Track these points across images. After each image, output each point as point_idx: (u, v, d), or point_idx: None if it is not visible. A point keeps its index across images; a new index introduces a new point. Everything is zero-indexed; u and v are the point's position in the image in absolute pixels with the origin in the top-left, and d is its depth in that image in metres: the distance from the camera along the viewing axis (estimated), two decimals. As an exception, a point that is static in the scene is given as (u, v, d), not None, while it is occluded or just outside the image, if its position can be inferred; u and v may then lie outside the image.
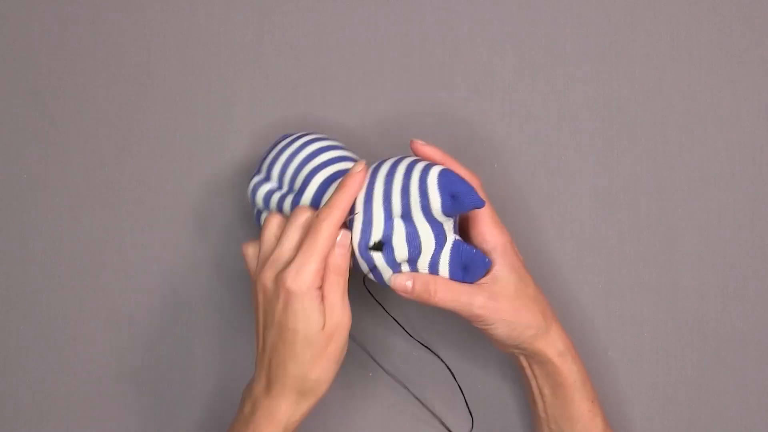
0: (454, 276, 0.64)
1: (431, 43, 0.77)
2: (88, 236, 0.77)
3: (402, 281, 0.64)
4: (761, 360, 0.74)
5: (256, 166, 0.71)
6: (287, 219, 0.65)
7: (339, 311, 0.63)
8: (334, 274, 0.63)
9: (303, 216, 0.64)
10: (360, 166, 0.64)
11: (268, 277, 0.63)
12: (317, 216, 0.63)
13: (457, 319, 0.67)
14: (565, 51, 0.77)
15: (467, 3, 0.77)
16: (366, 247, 0.64)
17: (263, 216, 0.69)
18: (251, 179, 0.70)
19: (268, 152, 0.70)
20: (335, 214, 0.62)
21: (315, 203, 0.67)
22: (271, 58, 0.77)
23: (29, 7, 0.79)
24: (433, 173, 0.63)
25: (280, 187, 0.69)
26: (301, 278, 0.61)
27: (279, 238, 0.64)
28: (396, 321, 0.71)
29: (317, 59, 0.77)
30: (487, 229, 0.66)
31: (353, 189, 0.63)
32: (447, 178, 0.63)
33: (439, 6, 0.77)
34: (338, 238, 0.63)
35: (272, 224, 0.65)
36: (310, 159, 0.68)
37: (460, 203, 0.62)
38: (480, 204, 0.62)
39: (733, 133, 0.76)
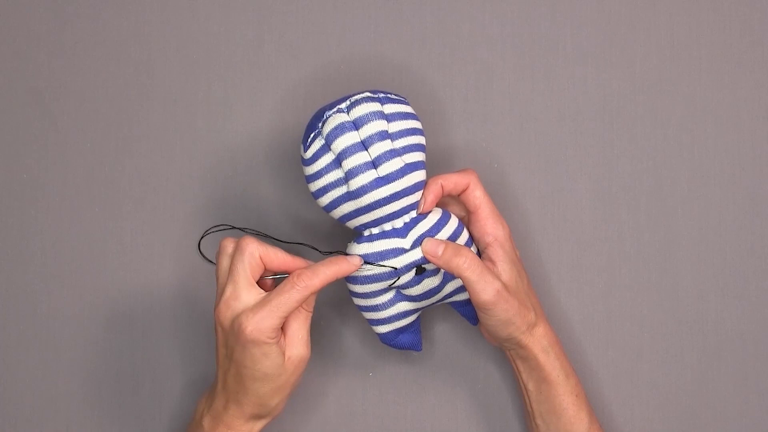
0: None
1: (431, 43, 0.77)
2: (88, 236, 0.77)
3: (433, 247, 0.64)
4: (761, 360, 0.74)
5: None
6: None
7: (303, 345, 0.64)
8: (305, 311, 0.64)
9: (249, 247, 0.64)
10: (358, 261, 0.65)
11: (226, 318, 0.63)
12: (300, 275, 0.63)
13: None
14: (565, 51, 0.77)
15: (467, 3, 0.77)
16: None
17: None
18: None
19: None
20: (315, 283, 0.63)
21: None
22: (271, 58, 0.77)
23: (29, 7, 0.79)
24: None
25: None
26: (261, 329, 0.62)
27: (229, 270, 0.64)
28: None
29: (317, 59, 0.77)
30: (488, 222, 0.67)
31: (341, 272, 0.64)
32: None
33: (439, 6, 0.77)
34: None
35: (227, 251, 0.65)
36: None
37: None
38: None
39: (733, 133, 0.76)
